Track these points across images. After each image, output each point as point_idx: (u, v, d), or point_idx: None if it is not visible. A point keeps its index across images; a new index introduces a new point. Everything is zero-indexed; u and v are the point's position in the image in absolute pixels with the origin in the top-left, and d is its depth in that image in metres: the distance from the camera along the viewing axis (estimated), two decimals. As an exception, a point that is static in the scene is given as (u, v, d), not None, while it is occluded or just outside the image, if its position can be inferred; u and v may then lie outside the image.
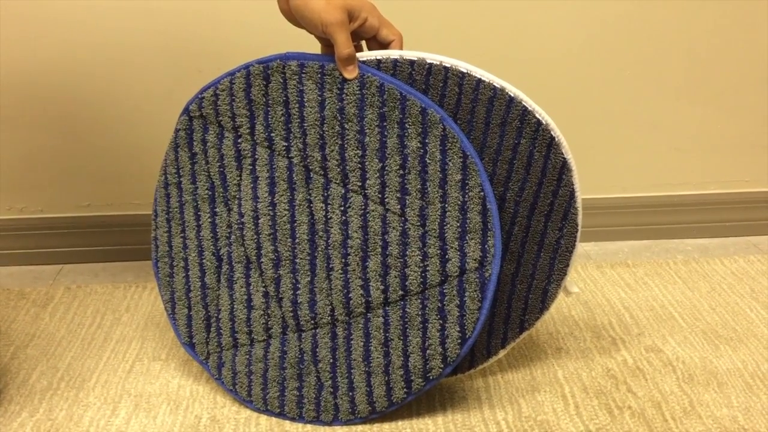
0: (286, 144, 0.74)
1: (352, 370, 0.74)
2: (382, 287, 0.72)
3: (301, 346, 0.75)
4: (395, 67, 0.71)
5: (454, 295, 0.70)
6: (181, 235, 0.79)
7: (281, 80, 0.72)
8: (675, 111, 1.10)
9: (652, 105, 1.10)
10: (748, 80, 1.09)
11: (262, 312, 0.76)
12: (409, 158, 0.70)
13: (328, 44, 0.72)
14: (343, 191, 0.72)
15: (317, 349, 0.75)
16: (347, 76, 0.70)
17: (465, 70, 0.70)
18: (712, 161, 1.13)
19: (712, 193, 1.14)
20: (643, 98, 1.09)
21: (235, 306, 0.77)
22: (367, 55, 0.72)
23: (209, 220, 0.77)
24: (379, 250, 0.72)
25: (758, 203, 1.15)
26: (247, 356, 0.77)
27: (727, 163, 1.13)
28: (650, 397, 0.78)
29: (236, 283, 0.77)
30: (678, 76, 1.08)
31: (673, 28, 1.06)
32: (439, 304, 0.71)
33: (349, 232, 0.72)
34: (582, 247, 1.13)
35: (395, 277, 0.72)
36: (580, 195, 0.73)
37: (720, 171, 1.14)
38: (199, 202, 0.78)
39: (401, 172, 0.71)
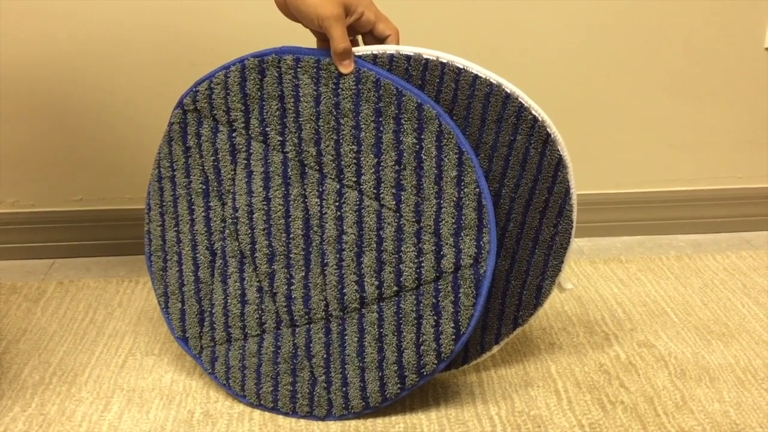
0: (281, 138, 0.73)
1: (345, 366, 0.74)
2: (376, 283, 0.72)
3: (295, 341, 0.75)
4: (392, 62, 0.71)
5: (448, 292, 0.70)
6: (175, 229, 0.78)
7: (276, 74, 0.72)
8: (668, 107, 1.11)
9: (646, 101, 1.10)
10: (741, 77, 1.10)
11: (255, 307, 0.76)
12: (404, 154, 0.70)
13: (323, 38, 0.71)
14: (338, 186, 0.72)
15: (311, 345, 0.75)
16: (343, 70, 0.70)
17: (462, 66, 0.70)
18: (705, 157, 1.14)
19: (704, 189, 1.15)
20: (636, 95, 1.09)
21: (228, 300, 0.77)
22: (363, 49, 0.71)
23: (203, 214, 0.77)
24: (374, 245, 0.72)
25: (750, 199, 1.16)
26: (241, 351, 0.77)
27: (719, 160, 1.14)
28: (643, 392, 0.78)
29: (230, 277, 0.77)
30: (671, 73, 1.09)
31: (666, 25, 1.06)
32: (434, 300, 0.71)
33: (344, 227, 0.72)
34: (575, 243, 1.13)
35: (390, 272, 0.72)
36: (576, 192, 0.73)
37: (712, 167, 1.14)
38: (192, 196, 0.77)
39: (397, 167, 0.71)
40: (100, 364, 0.84)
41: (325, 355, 0.74)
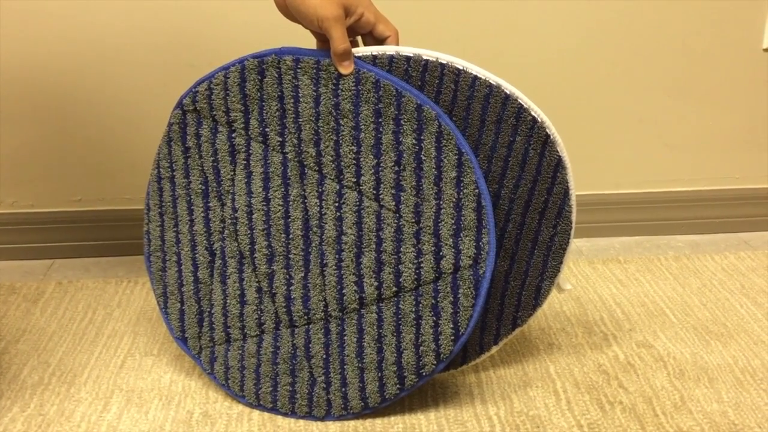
0: (280, 139, 0.73)
1: (344, 366, 0.74)
2: (375, 283, 0.72)
3: (294, 341, 0.75)
4: (391, 63, 0.71)
5: (447, 292, 0.70)
6: (174, 229, 0.78)
7: (276, 75, 0.72)
8: (667, 108, 1.11)
9: (644, 102, 1.10)
10: (739, 78, 1.10)
11: (255, 307, 0.76)
12: (404, 155, 0.70)
13: (323, 39, 0.72)
14: (337, 187, 0.72)
15: (310, 345, 0.75)
16: (343, 71, 0.70)
17: (461, 67, 0.70)
18: (704, 158, 1.14)
19: (703, 190, 1.15)
20: (635, 95, 1.10)
21: (228, 301, 0.77)
22: (363, 50, 0.71)
23: (202, 214, 0.77)
24: (374, 246, 0.72)
25: (749, 200, 1.16)
26: (240, 351, 0.77)
27: (718, 160, 1.14)
28: (641, 392, 0.78)
29: (229, 278, 0.77)
30: (670, 73, 1.09)
31: (664, 26, 1.06)
32: (433, 301, 0.71)
33: (344, 228, 0.72)
34: (574, 244, 1.13)
35: (389, 273, 0.72)
36: (574, 192, 0.73)
37: (711, 168, 1.15)
38: (192, 197, 0.77)
39: (396, 168, 0.71)
40: (99, 364, 0.84)
41: (324, 356, 0.74)
